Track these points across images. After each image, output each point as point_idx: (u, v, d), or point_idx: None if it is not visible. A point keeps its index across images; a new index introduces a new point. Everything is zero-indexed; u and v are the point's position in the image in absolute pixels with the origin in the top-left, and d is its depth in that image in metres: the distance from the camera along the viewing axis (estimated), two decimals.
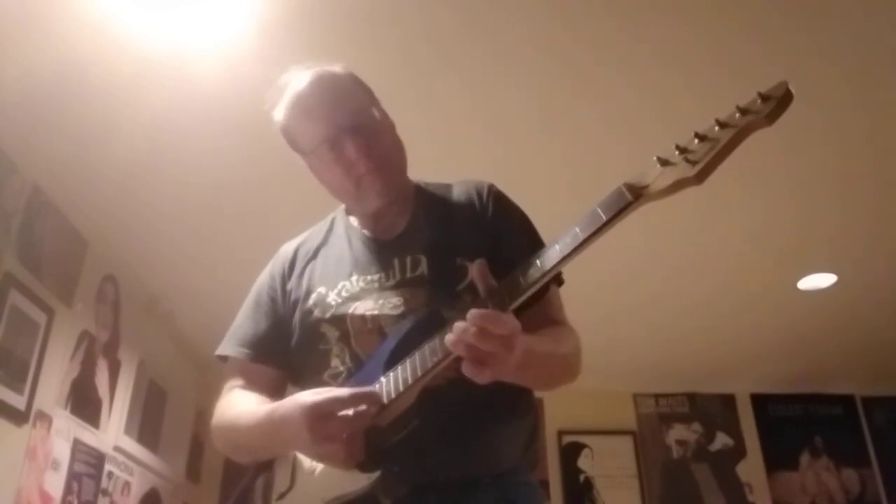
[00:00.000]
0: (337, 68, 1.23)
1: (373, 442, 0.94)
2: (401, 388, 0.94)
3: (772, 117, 0.73)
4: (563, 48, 2.09)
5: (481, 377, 0.86)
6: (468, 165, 2.51)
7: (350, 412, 0.92)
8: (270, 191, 2.60)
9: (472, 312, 0.83)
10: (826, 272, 3.32)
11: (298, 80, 1.20)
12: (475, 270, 0.91)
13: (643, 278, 3.31)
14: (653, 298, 3.49)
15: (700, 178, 0.75)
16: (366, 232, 1.24)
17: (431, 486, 0.98)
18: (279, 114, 1.22)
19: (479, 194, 1.23)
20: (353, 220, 1.28)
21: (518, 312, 0.90)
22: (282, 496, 1.05)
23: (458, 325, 0.84)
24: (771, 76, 0.77)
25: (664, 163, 0.78)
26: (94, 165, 2.48)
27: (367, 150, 1.15)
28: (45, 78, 2.08)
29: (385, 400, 0.94)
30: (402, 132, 1.26)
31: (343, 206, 1.32)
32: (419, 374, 0.93)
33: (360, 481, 0.93)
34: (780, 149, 2.47)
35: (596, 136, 2.43)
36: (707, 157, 0.74)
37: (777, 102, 0.72)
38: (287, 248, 1.31)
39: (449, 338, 0.86)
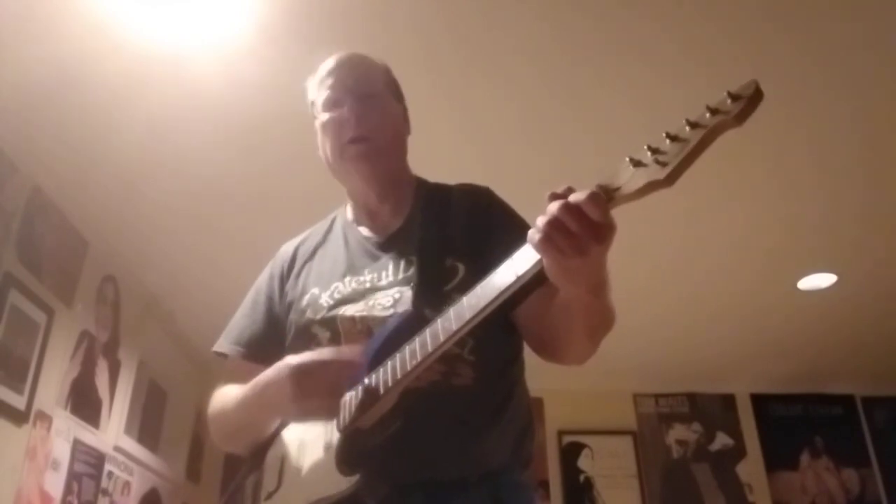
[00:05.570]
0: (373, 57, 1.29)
1: (356, 443, 0.95)
2: (381, 390, 0.94)
3: (741, 117, 0.70)
4: (545, 52, 2.09)
5: (566, 279, 0.83)
6: (448, 168, 2.51)
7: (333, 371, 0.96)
8: (270, 191, 2.60)
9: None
10: (826, 272, 3.32)
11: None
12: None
13: (643, 278, 3.30)
14: (653, 298, 3.48)
15: (670, 180, 0.72)
16: (362, 230, 1.25)
17: (417, 486, 0.98)
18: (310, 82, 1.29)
19: (477, 196, 1.24)
20: (351, 218, 1.28)
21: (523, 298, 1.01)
22: (269, 496, 1.07)
23: (551, 205, 0.79)
24: (757, 79, 0.76)
25: (636, 164, 0.76)
26: (94, 165, 2.48)
27: (361, 117, 1.19)
28: (45, 77, 2.09)
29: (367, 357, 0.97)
30: None
31: (345, 205, 1.33)
32: (398, 376, 0.92)
33: (342, 483, 0.93)
34: (780, 149, 2.47)
35: (578, 141, 2.43)
36: (677, 158, 0.72)
37: (746, 101, 0.70)
38: (286, 249, 1.31)
39: (535, 231, 0.79)
